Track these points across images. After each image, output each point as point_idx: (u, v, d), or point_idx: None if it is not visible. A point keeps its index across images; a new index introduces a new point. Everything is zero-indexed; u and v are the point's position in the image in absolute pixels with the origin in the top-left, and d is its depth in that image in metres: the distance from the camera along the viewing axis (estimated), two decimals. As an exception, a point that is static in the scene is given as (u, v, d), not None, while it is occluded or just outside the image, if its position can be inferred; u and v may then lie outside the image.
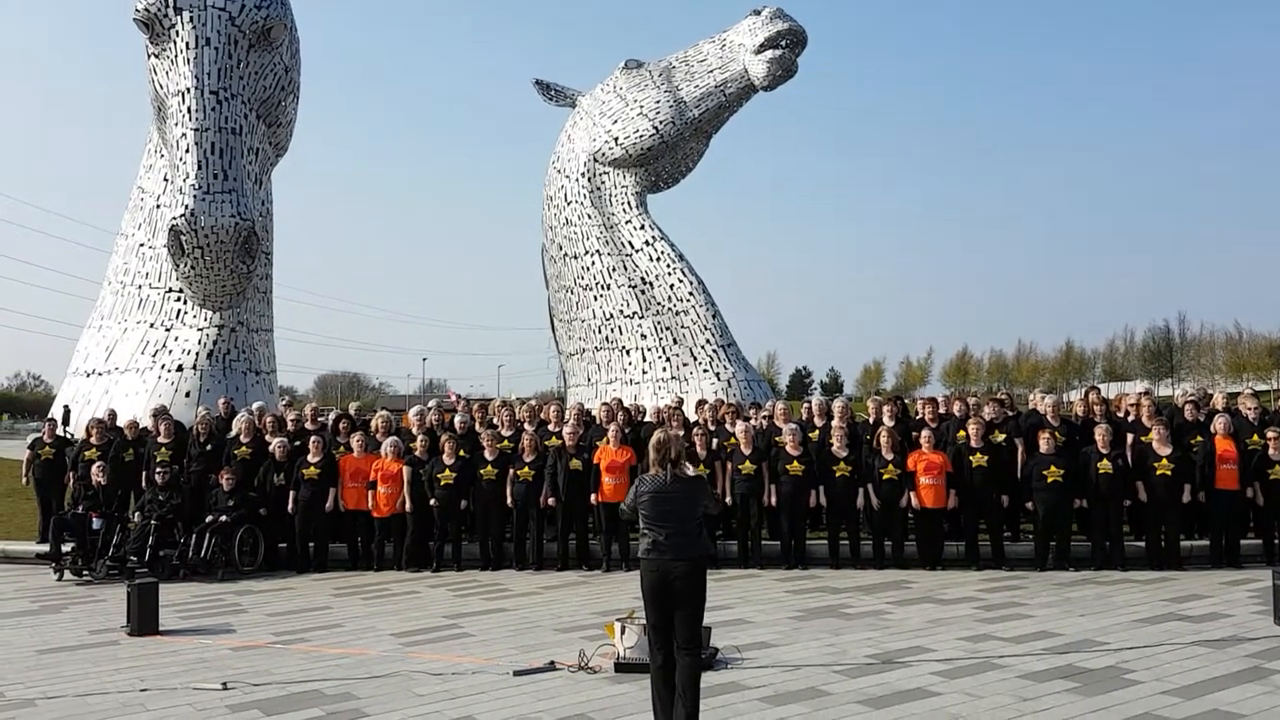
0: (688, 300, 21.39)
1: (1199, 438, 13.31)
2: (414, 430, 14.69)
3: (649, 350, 21.79)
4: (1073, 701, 7.17)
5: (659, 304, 21.63)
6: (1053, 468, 12.80)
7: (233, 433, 14.93)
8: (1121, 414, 14.40)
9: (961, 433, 13.64)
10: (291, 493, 13.94)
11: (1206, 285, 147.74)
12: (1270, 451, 12.96)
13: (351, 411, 16.91)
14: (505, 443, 14.18)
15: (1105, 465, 12.72)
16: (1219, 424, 13.14)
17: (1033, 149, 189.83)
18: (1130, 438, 13.26)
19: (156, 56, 16.82)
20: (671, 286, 21.49)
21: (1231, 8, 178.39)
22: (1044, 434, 13.08)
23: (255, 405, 16.08)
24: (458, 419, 15.12)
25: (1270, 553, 12.92)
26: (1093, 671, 7.95)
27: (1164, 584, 11.76)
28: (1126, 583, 11.90)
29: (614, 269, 22.06)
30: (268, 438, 14.68)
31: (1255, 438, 13.39)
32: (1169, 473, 12.69)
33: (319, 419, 15.84)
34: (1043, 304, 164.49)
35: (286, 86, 18.38)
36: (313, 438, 14.42)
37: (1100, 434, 12.95)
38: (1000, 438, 13.57)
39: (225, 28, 16.50)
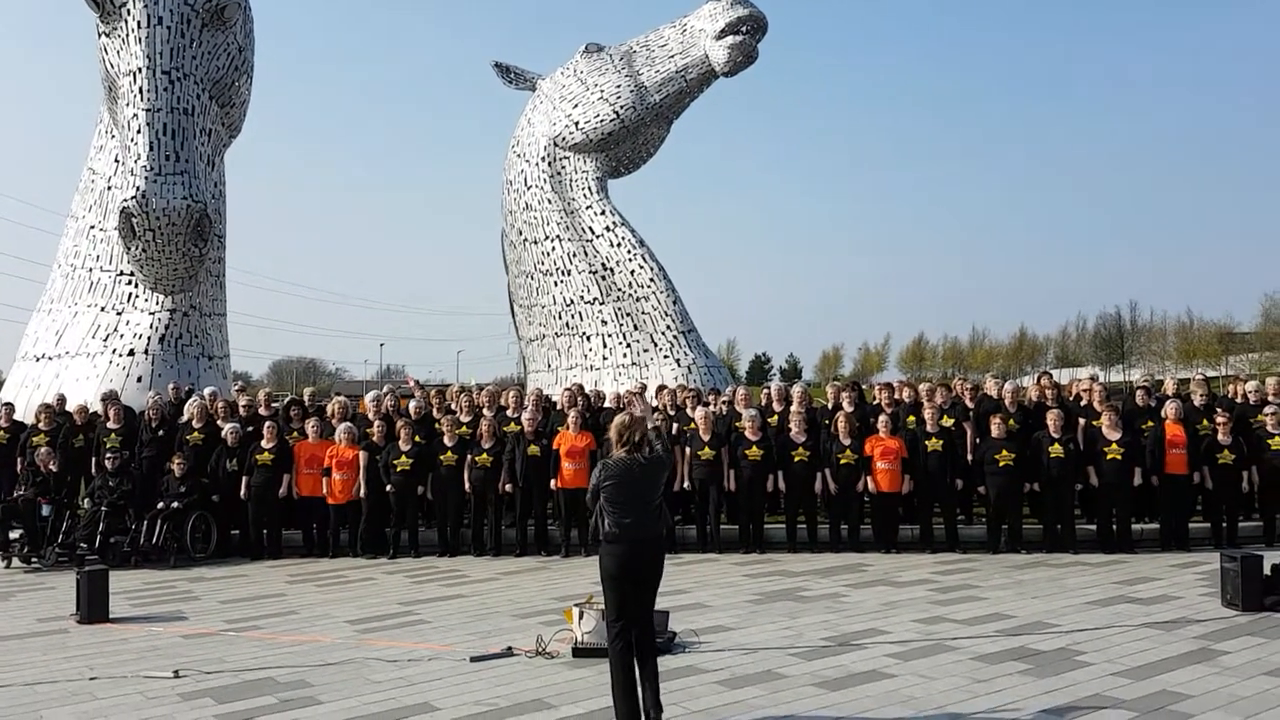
0: (648, 286, 21.36)
1: (1149, 423, 13.53)
2: (370, 416, 14.57)
3: (609, 336, 21.74)
4: (1024, 683, 7.28)
5: (620, 290, 21.59)
6: (1005, 451, 12.96)
7: (184, 418, 14.72)
8: (1073, 399, 14.61)
9: (911, 418, 13.80)
10: (245, 478, 13.78)
11: (1158, 273, 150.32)
12: (1219, 437, 13.20)
13: (306, 397, 16.71)
14: (464, 429, 14.10)
15: (1056, 449, 12.90)
16: (1169, 409, 13.37)
17: (989, 138, 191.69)
18: (1081, 422, 13.47)
19: (107, 36, 16.46)
20: (632, 273, 21.45)
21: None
22: (996, 419, 13.25)
23: (207, 390, 15.84)
24: (413, 405, 15.02)
25: (1218, 536, 13.18)
26: (1044, 653, 8.08)
27: (1114, 567, 11.97)
28: (1077, 565, 12.09)
29: (574, 254, 21.97)
30: (220, 423, 14.49)
31: (1204, 423, 13.65)
32: (1119, 457, 12.88)
33: (273, 404, 15.66)
34: (997, 291, 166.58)
35: (240, 67, 18.07)
36: (266, 423, 14.26)
37: (1052, 419, 13.13)
38: (949, 422, 13.72)
39: (178, 6, 16.19)
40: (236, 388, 17.95)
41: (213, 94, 17.38)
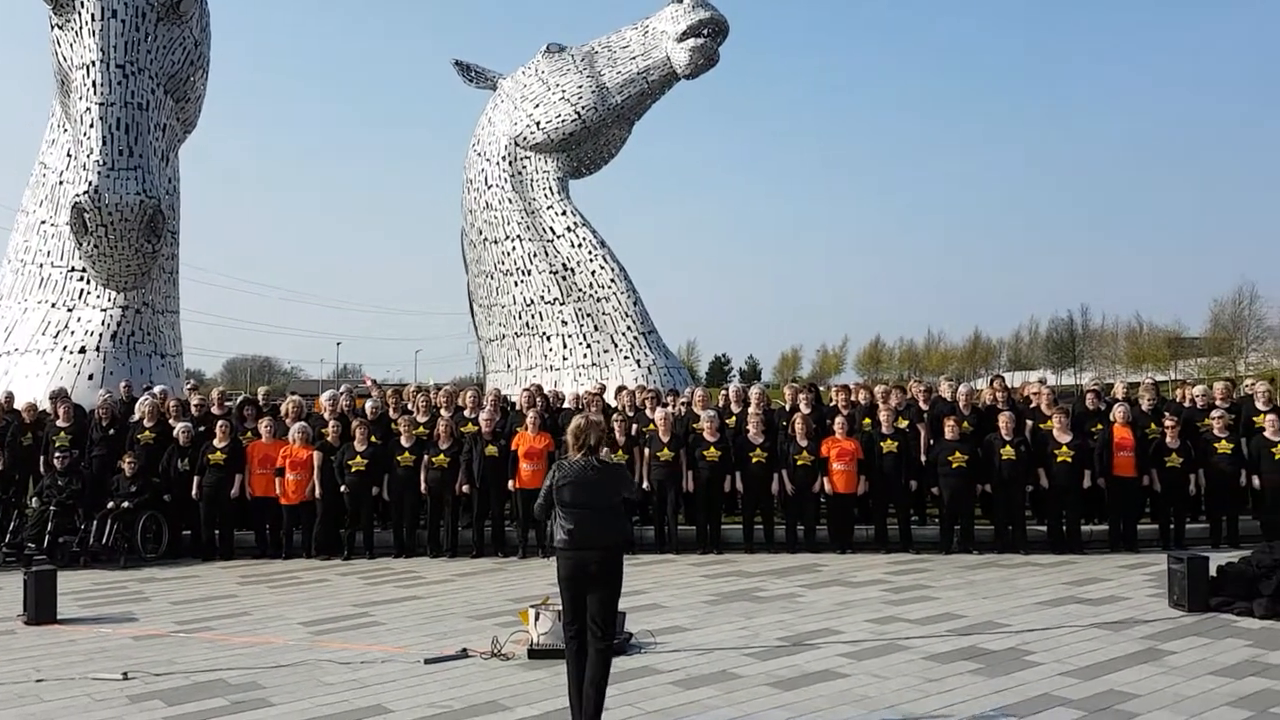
0: (609, 287, 21.36)
1: (1099, 425, 13.76)
2: (325, 415, 14.44)
3: (570, 337, 21.71)
4: (975, 682, 7.38)
5: (580, 290, 21.57)
6: (958, 453, 13.13)
7: (135, 416, 14.51)
8: (1023, 402, 14.82)
9: (867, 420, 13.94)
10: (196, 478, 13.61)
11: (1109, 278, 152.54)
12: (1167, 440, 13.44)
13: (260, 396, 16.52)
14: (421, 429, 14.02)
15: (1008, 451, 13.09)
16: (1118, 413, 13.59)
17: (949, 142, 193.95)
18: (1030, 424, 13.67)
19: (60, 28, 16.17)
20: (593, 273, 21.43)
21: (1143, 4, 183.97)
22: (949, 420, 13.41)
23: (158, 388, 15.62)
24: (370, 404, 14.91)
25: (1166, 538, 13.41)
26: (995, 653, 8.19)
27: (1064, 567, 12.15)
28: (1028, 566, 12.27)
29: (535, 254, 21.91)
30: (172, 422, 14.30)
31: (1153, 426, 13.90)
32: (1069, 459, 13.09)
33: (226, 403, 15.48)
34: (953, 295, 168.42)
35: (196, 61, 17.83)
36: (219, 422, 14.09)
37: (1003, 421, 13.32)
38: (904, 424, 13.87)
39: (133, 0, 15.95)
40: (189, 386, 17.74)
41: (168, 89, 17.12)
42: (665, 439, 13.67)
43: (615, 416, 14.20)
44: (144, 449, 13.91)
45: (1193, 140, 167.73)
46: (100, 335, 17.44)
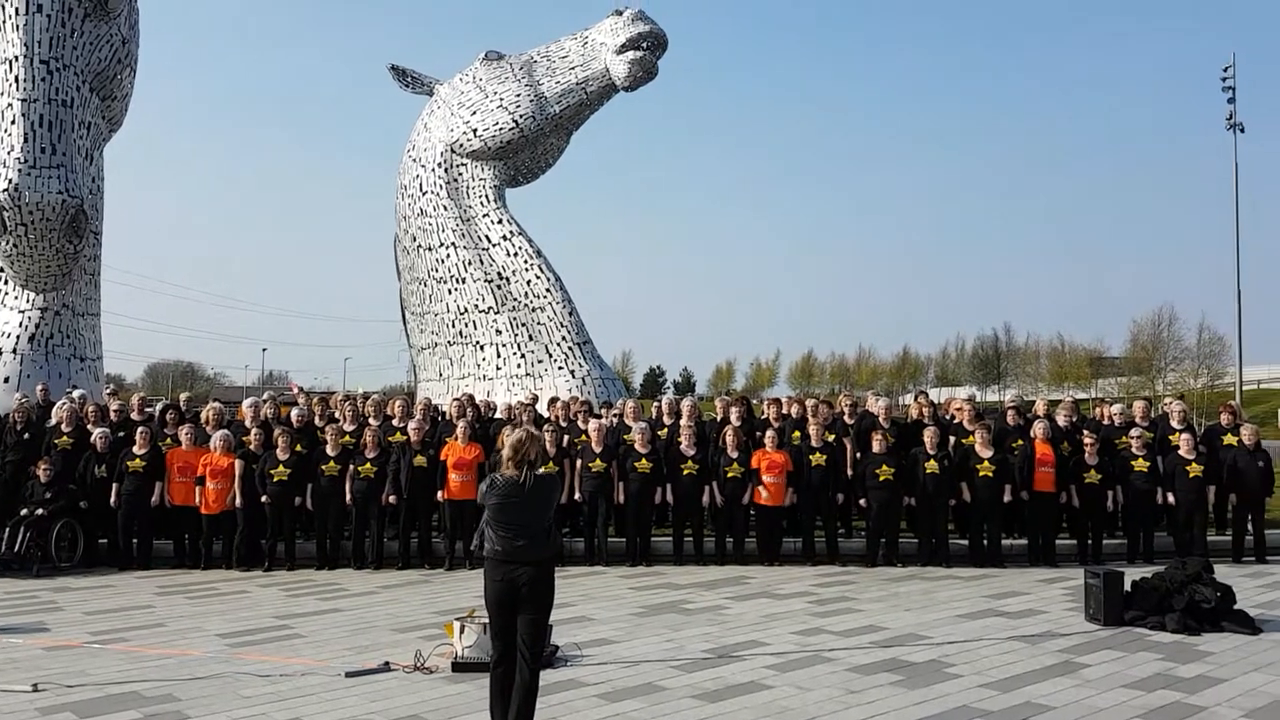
0: (545, 297, 21.30)
1: (1020, 441, 14.06)
2: (248, 423, 14.18)
3: (504, 346, 21.60)
4: (896, 694, 7.48)
5: (515, 299, 21.47)
6: (884, 466, 13.32)
7: (52, 421, 14.11)
8: (949, 417, 15.09)
9: (797, 433, 14.09)
10: (114, 485, 13.27)
11: (1032, 298, 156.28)
12: (1086, 457, 13.78)
13: (182, 402, 16.19)
14: (347, 438, 13.82)
15: (932, 465, 13.32)
16: (1038, 429, 13.91)
17: (874, 163, 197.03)
18: (953, 440, 13.93)
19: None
20: (529, 282, 21.37)
21: (1065, 24, 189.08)
22: (876, 434, 13.62)
23: (77, 393, 15.22)
24: (295, 412, 14.67)
25: (1083, 552, 13.74)
26: (916, 665, 8.31)
27: (984, 581, 12.39)
28: (950, 579, 12.49)
29: (470, 262, 21.77)
30: (90, 427, 13.93)
31: (1067, 445, 14.21)
32: (990, 474, 13.35)
33: (146, 409, 15.12)
34: (883, 311, 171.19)
35: (124, 59, 17.49)
36: (139, 429, 13.77)
37: (928, 435, 13.56)
38: (830, 437, 14.05)
39: (59, -6, 15.58)
40: (109, 391, 17.30)
41: (94, 86, 16.78)
42: (598, 450, 13.66)
43: (547, 427, 14.15)
44: (61, 454, 13.55)
45: (1116, 161, 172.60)
46: (17, 337, 16.96)
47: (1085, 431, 14.33)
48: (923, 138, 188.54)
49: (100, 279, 19.04)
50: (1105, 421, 15.46)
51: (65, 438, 13.73)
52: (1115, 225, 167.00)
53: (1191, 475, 13.62)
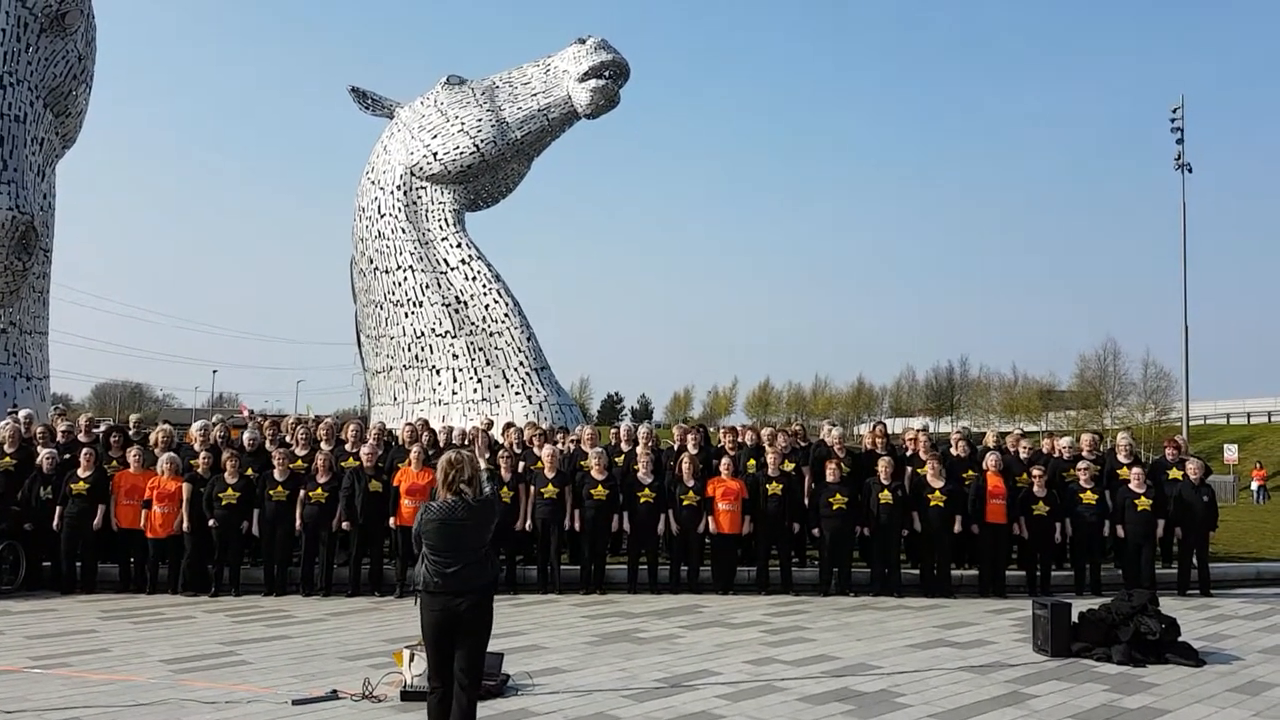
0: (503, 321, 21.25)
1: (971, 472, 14.21)
2: (196, 446, 13.96)
3: (460, 370, 21.49)
4: (845, 724, 7.49)
5: (473, 324, 21.40)
6: (838, 495, 13.40)
7: (-5, 441, 13.79)
8: (904, 448, 15.23)
9: (753, 462, 14.14)
10: (58, 508, 12.99)
11: (986, 331, 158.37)
12: (1035, 489, 13.96)
13: (131, 423, 15.92)
14: (299, 462, 13.65)
15: (885, 495, 13.42)
16: (990, 461, 14.07)
17: (833, 194, 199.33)
18: (909, 470, 14.05)
19: (-69, 32, 15.50)
20: (486, 307, 21.31)
21: (1016, 60, 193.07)
22: (830, 464, 13.70)
23: (22, 413, 14.91)
24: (246, 435, 14.46)
25: (1032, 583, 13.89)
26: (866, 694, 8.34)
27: (935, 611, 12.47)
28: (901, 609, 12.56)
29: (427, 286, 21.69)
30: (36, 448, 13.65)
31: (1024, 476, 14.41)
32: (942, 504, 13.47)
33: (93, 430, 14.84)
34: (840, 341, 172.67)
35: (79, 76, 17.30)
36: (84, 450, 13.50)
37: (882, 465, 13.66)
38: (790, 467, 14.12)
39: (14, 9, 15.43)
40: (55, 411, 16.96)
41: (48, 102, 16.57)
42: (550, 476, 13.60)
43: (502, 453, 14.08)
44: (4, 475, 13.26)
45: (1066, 196, 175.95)
46: (-39, 355, 16.59)
47: (1034, 464, 14.50)
48: (880, 170, 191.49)
49: (49, 296, 18.74)
50: (1054, 454, 15.67)
51: (8, 458, 13.45)
52: (1066, 260, 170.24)
53: (1140, 509, 13.82)
